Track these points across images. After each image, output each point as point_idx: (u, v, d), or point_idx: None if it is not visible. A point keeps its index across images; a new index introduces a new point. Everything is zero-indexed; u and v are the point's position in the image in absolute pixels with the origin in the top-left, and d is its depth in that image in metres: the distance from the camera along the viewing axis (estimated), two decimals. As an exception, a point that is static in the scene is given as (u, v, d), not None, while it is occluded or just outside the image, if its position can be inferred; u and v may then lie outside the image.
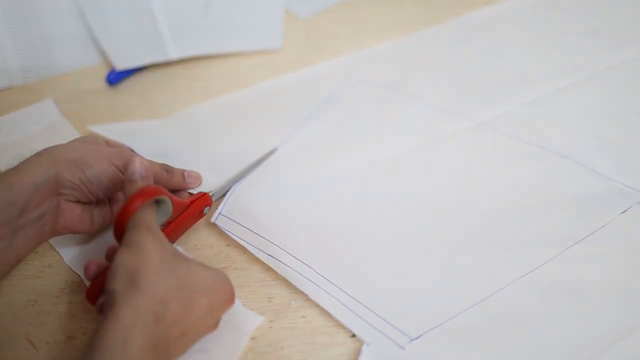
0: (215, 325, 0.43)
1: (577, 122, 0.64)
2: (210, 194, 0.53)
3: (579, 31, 0.80)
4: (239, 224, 0.52)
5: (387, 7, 0.87)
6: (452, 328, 0.44)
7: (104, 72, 0.74)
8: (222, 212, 0.53)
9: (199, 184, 0.55)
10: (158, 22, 0.78)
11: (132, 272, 0.38)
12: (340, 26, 0.83)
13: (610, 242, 0.51)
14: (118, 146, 0.52)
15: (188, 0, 0.81)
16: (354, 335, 0.44)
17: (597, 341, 0.43)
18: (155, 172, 0.49)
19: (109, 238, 0.52)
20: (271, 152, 0.61)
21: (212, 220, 0.53)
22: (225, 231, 0.52)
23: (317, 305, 0.47)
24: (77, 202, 0.47)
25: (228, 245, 0.52)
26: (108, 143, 0.52)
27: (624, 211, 0.53)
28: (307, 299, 0.47)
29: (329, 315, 0.46)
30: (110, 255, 0.46)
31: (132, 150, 0.52)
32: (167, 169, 0.52)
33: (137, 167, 0.44)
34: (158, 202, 0.45)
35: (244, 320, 0.45)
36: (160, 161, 0.53)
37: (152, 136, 0.64)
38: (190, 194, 0.54)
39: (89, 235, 0.52)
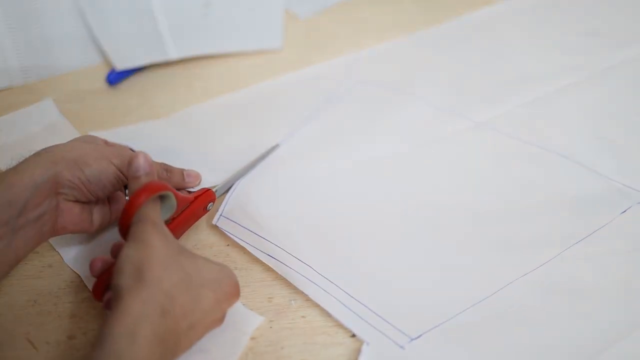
0: (221, 319, 0.43)
1: (577, 122, 0.64)
2: (214, 189, 0.53)
3: (579, 31, 0.80)
4: (239, 225, 0.52)
5: (387, 7, 0.87)
6: (452, 328, 0.44)
7: (104, 72, 0.74)
8: (222, 214, 0.53)
9: (199, 183, 0.55)
10: (158, 22, 0.78)
11: (138, 267, 0.38)
12: (340, 26, 0.83)
13: (610, 242, 0.51)
14: (117, 146, 0.52)
15: (188, 0, 0.81)
16: (354, 335, 0.44)
17: (597, 341, 0.43)
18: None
19: (109, 238, 0.52)
20: (274, 148, 0.61)
21: (214, 222, 0.53)
22: (227, 233, 0.52)
23: (317, 305, 0.47)
24: (76, 201, 0.47)
25: (228, 245, 0.52)
26: (107, 143, 0.52)
27: (624, 211, 0.53)
28: (307, 299, 0.47)
29: (329, 315, 0.46)
30: (116, 251, 0.46)
31: (131, 150, 0.52)
32: (167, 168, 0.52)
33: (141, 163, 0.44)
34: (162, 198, 0.45)
35: (244, 320, 0.45)
36: (160, 161, 0.53)
37: (152, 136, 0.64)
38: (189, 192, 0.54)
39: (89, 235, 0.52)
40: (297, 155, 0.61)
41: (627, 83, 0.70)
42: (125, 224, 0.42)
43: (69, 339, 0.45)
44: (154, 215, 0.42)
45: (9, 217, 0.43)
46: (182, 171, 0.54)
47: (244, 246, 0.51)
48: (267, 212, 0.53)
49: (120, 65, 0.72)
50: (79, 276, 0.49)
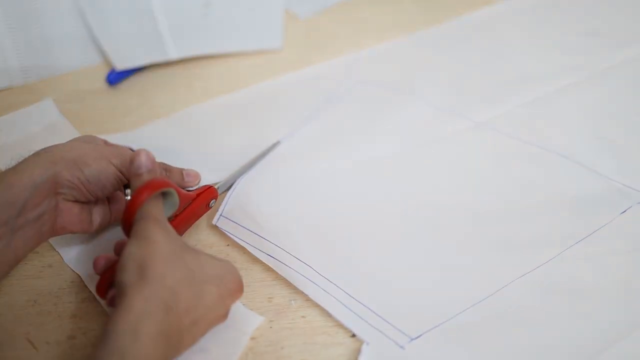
0: (225, 315, 0.43)
1: (577, 122, 0.64)
2: (216, 186, 0.53)
3: (579, 31, 0.80)
4: (239, 225, 0.52)
5: (387, 7, 0.87)
6: (451, 328, 0.44)
7: (104, 72, 0.74)
8: (222, 214, 0.53)
9: (198, 183, 0.55)
10: (158, 22, 0.78)
11: (141, 264, 0.39)
12: (340, 26, 0.83)
13: (610, 242, 0.51)
14: (117, 146, 0.52)
15: (188, 0, 0.81)
16: (354, 335, 0.44)
17: (597, 341, 0.43)
18: None
19: (109, 237, 0.52)
20: (275, 145, 0.61)
21: (214, 222, 0.53)
22: (227, 233, 0.52)
23: (317, 305, 0.47)
24: (76, 201, 0.47)
25: (228, 245, 0.52)
26: (107, 143, 0.52)
27: (624, 211, 0.53)
28: (307, 299, 0.47)
29: (329, 315, 0.46)
30: (119, 249, 0.46)
31: (131, 149, 0.52)
32: (166, 167, 0.52)
33: (143, 160, 0.44)
34: (165, 195, 0.45)
35: (244, 320, 0.45)
36: (160, 161, 0.53)
37: (152, 136, 0.64)
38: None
39: (90, 235, 0.52)
40: (297, 155, 0.61)
41: (627, 83, 0.70)
42: (128, 221, 0.42)
43: (69, 339, 0.45)
44: (156, 212, 0.42)
45: (8, 217, 0.43)
46: (181, 171, 0.54)
47: (244, 246, 0.51)
48: (267, 211, 0.53)
49: (120, 65, 0.72)
50: (79, 276, 0.49)
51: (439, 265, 0.50)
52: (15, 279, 0.49)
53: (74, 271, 0.50)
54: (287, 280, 0.48)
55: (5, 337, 0.45)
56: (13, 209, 0.43)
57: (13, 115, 0.66)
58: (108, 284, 0.44)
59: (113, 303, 0.43)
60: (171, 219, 0.47)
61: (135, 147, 0.58)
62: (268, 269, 0.49)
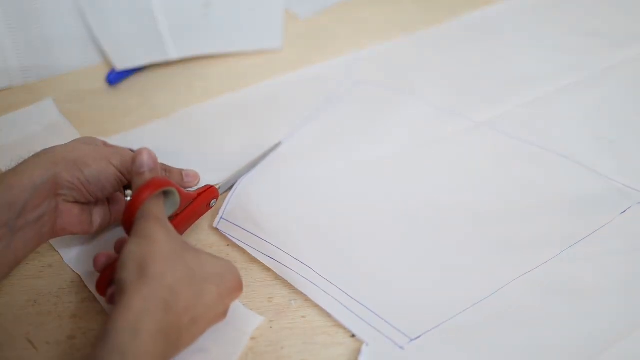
0: (224, 313, 0.43)
1: (577, 122, 0.64)
2: (217, 186, 0.53)
3: (579, 31, 0.80)
4: (240, 227, 0.52)
5: (387, 7, 0.87)
6: (451, 328, 0.44)
7: (104, 72, 0.74)
8: (223, 216, 0.53)
9: (197, 183, 0.55)
10: (158, 22, 0.78)
11: (141, 262, 0.39)
12: (340, 26, 0.83)
13: (610, 242, 0.51)
14: (117, 147, 0.52)
15: (188, 0, 0.81)
16: (353, 335, 0.44)
17: (597, 341, 0.43)
18: None
19: (109, 237, 0.52)
20: (276, 146, 0.61)
21: (215, 225, 0.53)
22: (227, 235, 0.52)
23: (317, 305, 0.47)
24: (76, 202, 0.47)
25: (228, 245, 0.52)
26: (106, 144, 0.52)
27: (624, 211, 0.53)
28: (307, 299, 0.47)
29: (329, 315, 0.46)
30: (119, 247, 0.46)
31: (131, 150, 0.52)
32: (166, 168, 0.52)
33: (145, 159, 0.44)
34: (166, 194, 0.45)
35: (244, 320, 0.45)
36: (160, 161, 0.53)
37: (152, 136, 0.64)
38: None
39: (90, 235, 0.52)
40: (297, 155, 0.61)
41: (627, 83, 0.70)
42: (129, 220, 0.42)
43: (69, 339, 0.45)
44: (157, 211, 0.42)
45: (8, 219, 0.43)
46: (180, 171, 0.54)
47: (245, 248, 0.51)
48: (267, 211, 0.53)
49: (120, 65, 0.72)
50: (79, 276, 0.49)
51: (439, 265, 0.50)
52: (16, 279, 0.49)
53: (74, 271, 0.50)
54: (287, 280, 0.48)
55: (5, 337, 0.45)
56: (13, 211, 0.43)
57: (13, 115, 0.66)
58: (108, 282, 0.44)
59: (112, 301, 0.43)
60: (172, 218, 0.47)
61: (135, 148, 0.58)
62: (268, 269, 0.49)
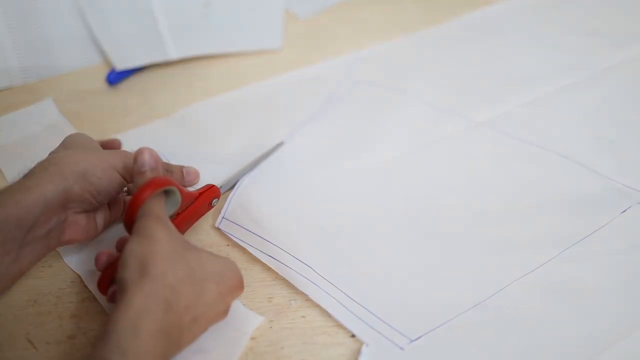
0: (225, 312, 0.43)
1: (577, 122, 0.64)
2: (219, 186, 0.53)
3: (579, 31, 0.80)
4: (241, 227, 0.52)
5: (387, 7, 0.87)
6: (451, 329, 0.44)
7: (104, 72, 0.74)
8: (224, 216, 0.53)
9: (197, 181, 0.55)
10: (158, 22, 0.78)
11: (143, 261, 0.39)
12: (340, 26, 0.83)
13: (610, 242, 0.51)
14: (117, 151, 0.52)
15: (188, 0, 0.81)
16: (354, 336, 0.44)
17: (597, 341, 0.43)
18: None
19: (109, 237, 0.52)
20: (278, 145, 0.61)
21: (216, 224, 0.53)
22: (229, 235, 0.52)
23: (317, 305, 0.47)
24: (83, 212, 0.47)
25: (228, 245, 0.52)
26: (102, 143, 0.52)
27: (624, 211, 0.53)
28: (307, 299, 0.47)
29: (329, 315, 0.46)
30: (120, 245, 0.46)
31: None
32: (167, 167, 0.52)
33: (146, 158, 0.44)
34: (167, 193, 0.45)
35: (244, 320, 0.45)
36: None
37: (152, 136, 0.64)
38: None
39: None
40: (297, 155, 0.61)
41: (627, 83, 0.70)
42: (130, 219, 0.42)
43: (69, 339, 0.45)
44: (158, 210, 0.42)
45: (17, 235, 0.42)
46: (181, 168, 0.54)
47: (246, 247, 0.51)
48: (267, 211, 0.53)
49: (120, 65, 0.72)
50: (79, 276, 0.49)
51: (439, 266, 0.50)
52: (15, 279, 0.49)
53: (74, 271, 0.50)
54: (287, 280, 0.48)
55: (5, 337, 0.45)
56: (22, 227, 0.42)
57: (13, 115, 0.66)
58: (109, 281, 0.44)
59: (114, 299, 0.44)
60: (173, 217, 0.47)
61: (135, 148, 0.58)
62: (268, 269, 0.49)
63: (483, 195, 0.56)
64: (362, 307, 0.46)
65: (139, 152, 0.45)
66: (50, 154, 0.49)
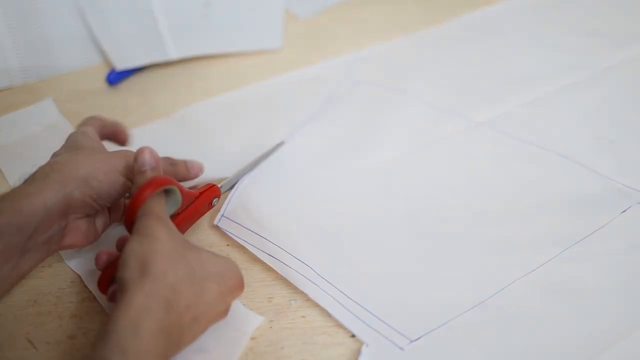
0: (225, 311, 0.43)
1: (577, 122, 0.64)
2: (219, 185, 0.53)
3: (579, 31, 0.80)
4: (240, 225, 0.52)
5: (387, 7, 0.87)
6: (451, 329, 0.44)
7: (104, 72, 0.74)
8: (224, 214, 0.53)
9: (202, 173, 0.55)
10: (158, 22, 0.78)
11: (143, 260, 0.39)
12: (340, 26, 0.83)
13: (610, 242, 0.51)
14: (121, 151, 0.52)
15: (188, 0, 0.81)
16: (354, 336, 0.44)
17: (597, 341, 0.43)
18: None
19: (109, 237, 0.52)
20: (279, 145, 0.61)
21: (215, 222, 0.53)
22: (228, 233, 0.52)
23: (317, 305, 0.47)
24: (84, 217, 0.47)
25: (228, 245, 0.52)
26: (101, 127, 0.51)
27: (624, 211, 0.53)
28: (307, 299, 0.47)
29: (329, 315, 0.46)
30: (121, 245, 0.46)
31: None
32: (171, 162, 0.52)
33: (146, 158, 0.44)
34: (167, 192, 0.45)
35: (244, 320, 0.45)
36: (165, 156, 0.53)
37: (152, 136, 0.64)
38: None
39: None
40: (297, 155, 0.61)
41: (627, 83, 0.70)
42: (131, 218, 0.42)
43: (69, 339, 0.45)
44: (159, 209, 0.42)
45: (18, 242, 0.42)
46: (185, 163, 0.54)
47: (245, 246, 0.51)
48: (267, 211, 0.53)
49: (120, 65, 0.72)
50: (79, 276, 0.49)
51: (439, 266, 0.50)
52: (15, 279, 0.49)
53: (74, 271, 0.50)
54: (287, 280, 0.48)
55: (5, 337, 0.45)
56: (23, 234, 0.42)
57: (13, 115, 0.66)
58: (109, 280, 0.44)
59: (114, 299, 0.44)
60: (173, 217, 0.47)
61: (135, 148, 0.58)
62: (268, 268, 0.49)
63: (483, 195, 0.56)
64: (362, 307, 0.46)
65: (139, 152, 0.45)
66: (52, 155, 0.48)
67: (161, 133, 0.64)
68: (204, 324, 0.41)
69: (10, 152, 0.62)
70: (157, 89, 0.72)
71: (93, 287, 0.48)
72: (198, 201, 0.50)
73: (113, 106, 0.69)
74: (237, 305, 0.46)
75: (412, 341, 0.43)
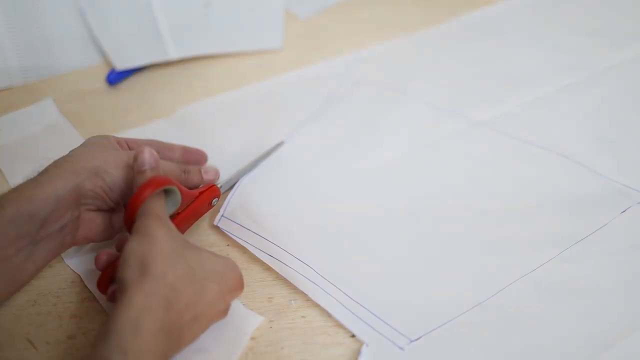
0: (225, 311, 0.43)
1: (577, 122, 0.64)
2: (219, 185, 0.53)
3: (579, 31, 0.80)
4: (240, 225, 0.52)
5: (387, 7, 0.87)
6: (451, 329, 0.44)
7: (104, 72, 0.74)
8: (224, 214, 0.53)
9: (217, 178, 0.55)
10: (158, 22, 0.78)
11: (143, 260, 0.39)
12: (340, 26, 0.83)
13: (610, 242, 0.51)
14: (132, 142, 0.52)
15: (188, 0, 0.81)
16: (354, 336, 0.44)
17: (597, 341, 0.43)
18: (173, 173, 0.49)
19: (109, 238, 0.52)
20: (278, 145, 0.61)
21: (215, 223, 0.53)
22: (228, 233, 0.52)
23: (317, 305, 0.47)
24: (98, 210, 0.47)
25: (228, 245, 0.52)
26: (119, 141, 0.52)
27: (624, 211, 0.53)
28: (307, 299, 0.47)
29: (329, 315, 0.46)
30: (120, 245, 0.46)
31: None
32: (185, 169, 0.52)
33: (146, 157, 0.44)
34: (167, 192, 0.45)
35: (244, 320, 0.45)
36: (179, 163, 0.53)
37: (152, 136, 0.64)
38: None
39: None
40: (297, 155, 0.61)
41: (627, 83, 0.70)
42: (130, 218, 0.42)
43: (69, 339, 0.45)
44: (158, 209, 0.42)
45: (29, 231, 0.42)
46: (199, 169, 0.53)
47: (245, 246, 0.51)
48: (267, 211, 0.53)
49: (120, 65, 0.72)
50: (79, 276, 0.49)
51: (439, 266, 0.50)
52: (15, 279, 0.49)
53: (74, 271, 0.50)
54: (287, 280, 0.48)
55: (5, 337, 0.45)
56: (34, 222, 0.42)
57: (13, 115, 0.66)
58: (109, 280, 0.44)
59: (113, 298, 0.44)
60: (173, 217, 0.47)
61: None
62: (268, 268, 0.50)
63: (483, 195, 0.56)
64: (362, 307, 0.46)
65: (139, 152, 0.45)
66: (69, 152, 0.49)
67: (161, 133, 0.64)
68: (204, 323, 0.41)
69: (10, 152, 0.62)
70: (157, 89, 0.72)
71: (93, 287, 0.48)
72: (198, 201, 0.50)
73: (113, 106, 0.69)
74: (237, 305, 0.46)
75: (412, 341, 0.44)
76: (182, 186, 0.47)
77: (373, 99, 0.69)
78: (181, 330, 0.39)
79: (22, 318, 0.46)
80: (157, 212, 0.42)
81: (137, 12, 0.78)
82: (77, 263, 0.50)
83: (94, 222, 0.47)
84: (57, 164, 0.46)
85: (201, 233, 0.53)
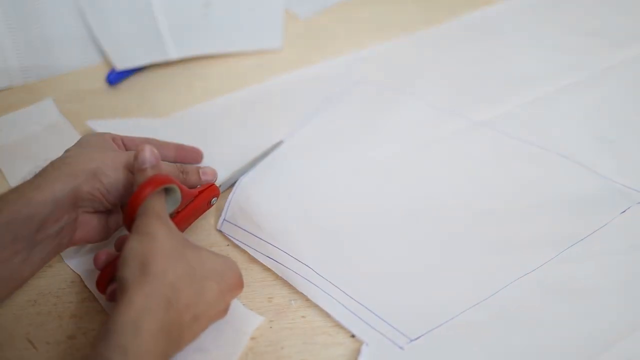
0: (225, 310, 0.43)
1: (577, 122, 0.64)
2: (218, 184, 0.53)
3: (579, 31, 0.80)
4: (242, 229, 0.52)
5: (387, 7, 0.87)
6: (451, 329, 0.44)
7: (104, 72, 0.74)
8: (226, 218, 0.53)
9: (215, 179, 0.55)
10: (158, 22, 0.78)
11: (143, 259, 0.39)
12: (340, 26, 0.83)
13: (610, 242, 0.51)
14: (128, 140, 0.52)
15: (188, 0, 0.81)
16: (353, 336, 0.44)
17: (597, 341, 0.43)
18: (171, 173, 0.49)
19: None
20: (277, 144, 0.61)
21: (218, 227, 0.53)
22: (231, 238, 0.52)
23: (317, 305, 0.47)
24: (95, 212, 0.47)
25: (228, 245, 0.52)
26: (114, 139, 0.51)
27: (624, 211, 0.53)
28: (307, 299, 0.47)
29: (329, 315, 0.46)
30: (120, 244, 0.46)
31: None
32: (183, 169, 0.52)
33: (147, 156, 0.44)
34: (167, 191, 0.45)
35: (244, 320, 0.45)
36: (178, 163, 0.53)
37: (152, 136, 0.63)
38: None
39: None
40: (297, 155, 0.61)
41: (627, 83, 0.70)
42: (130, 217, 0.42)
43: (69, 339, 0.45)
44: (158, 208, 0.42)
45: (27, 233, 0.42)
46: (197, 170, 0.53)
47: (247, 250, 0.51)
48: (267, 210, 0.53)
49: (120, 65, 0.72)
50: (79, 276, 0.49)
51: (439, 265, 0.50)
52: (15, 279, 0.49)
53: (74, 271, 0.50)
54: (287, 281, 0.48)
55: (5, 337, 0.45)
56: (32, 225, 0.42)
57: (13, 115, 0.66)
58: (108, 279, 0.44)
59: (113, 298, 0.44)
60: (173, 216, 0.47)
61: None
62: (268, 269, 0.50)
63: (483, 195, 0.56)
64: (362, 306, 0.46)
65: (140, 150, 0.45)
66: (65, 152, 0.49)
67: (161, 133, 0.64)
68: (204, 322, 0.41)
69: (10, 152, 0.62)
70: (157, 89, 0.72)
71: (93, 287, 0.48)
72: (197, 200, 0.50)
73: (113, 106, 0.69)
74: (237, 305, 0.46)
75: (412, 340, 0.44)
76: (182, 185, 0.47)
77: (373, 99, 0.69)
78: (181, 330, 0.39)
79: (22, 318, 0.46)
80: (157, 211, 0.42)
81: (137, 12, 0.78)
82: (76, 263, 0.50)
83: (91, 223, 0.47)
84: (55, 165, 0.46)
85: (201, 233, 0.53)
